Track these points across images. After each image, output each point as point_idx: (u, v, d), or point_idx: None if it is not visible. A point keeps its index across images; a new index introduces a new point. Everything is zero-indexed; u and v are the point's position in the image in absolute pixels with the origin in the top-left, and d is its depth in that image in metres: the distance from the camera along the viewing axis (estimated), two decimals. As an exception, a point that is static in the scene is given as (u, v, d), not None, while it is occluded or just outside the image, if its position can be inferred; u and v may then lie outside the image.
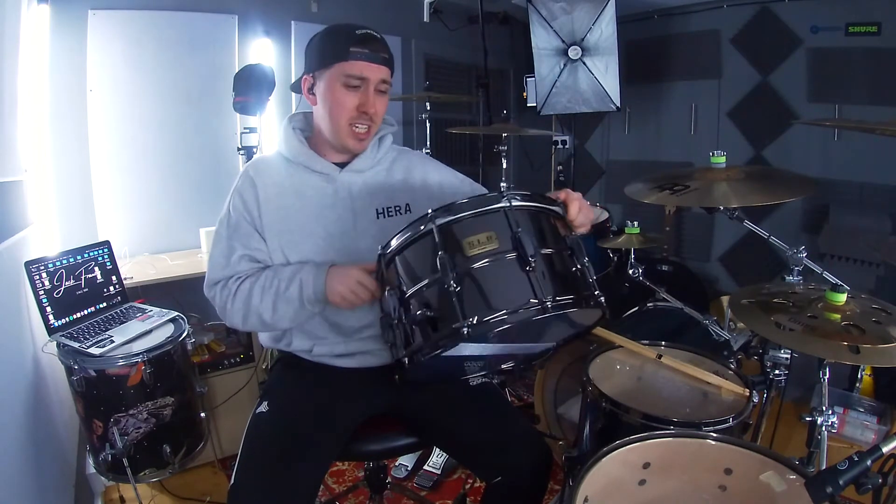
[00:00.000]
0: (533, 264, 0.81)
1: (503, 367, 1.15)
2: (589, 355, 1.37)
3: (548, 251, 0.87)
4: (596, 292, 0.88)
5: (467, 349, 0.89)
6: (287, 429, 1.10)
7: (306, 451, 1.07)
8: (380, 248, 0.96)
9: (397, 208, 1.22)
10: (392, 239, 0.93)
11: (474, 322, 0.78)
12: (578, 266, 0.89)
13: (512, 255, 0.83)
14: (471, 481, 1.90)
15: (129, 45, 2.19)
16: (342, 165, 1.21)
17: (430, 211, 0.87)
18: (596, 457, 0.91)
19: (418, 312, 0.85)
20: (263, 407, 1.16)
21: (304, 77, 1.17)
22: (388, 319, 0.90)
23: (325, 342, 1.22)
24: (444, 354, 0.85)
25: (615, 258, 2.35)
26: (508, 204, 0.87)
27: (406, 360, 0.86)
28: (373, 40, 1.11)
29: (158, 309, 1.73)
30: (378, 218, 1.20)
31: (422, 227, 0.88)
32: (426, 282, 0.86)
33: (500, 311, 0.80)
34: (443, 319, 0.82)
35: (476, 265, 0.83)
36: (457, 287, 0.81)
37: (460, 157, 3.57)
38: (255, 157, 2.15)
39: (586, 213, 0.98)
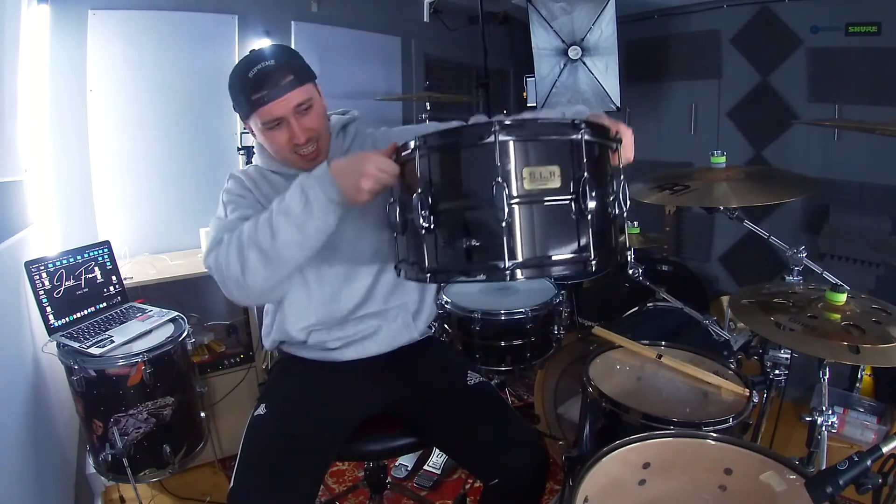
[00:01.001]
0: (587, 214, 0.76)
1: None
2: (589, 355, 1.37)
3: (601, 197, 0.80)
4: (627, 251, 0.86)
5: None
6: (285, 430, 1.10)
7: (305, 451, 1.07)
8: (417, 138, 0.84)
9: None
10: (435, 134, 0.83)
11: (515, 263, 0.74)
12: (618, 213, 0.84)
13: (569, 199, 0.77)
14: (471, 481, 1.90)
15: (129, 45, 2.19)
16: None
17: (494, 121, 0.78)
18: (596, 457, 0.91)
19: (455, 232, 0.78)
20: (261, 409, 1.15)
21: (245, 123, 1.17)
22: (403, 217, 0.85)
23: (321, 329, 1.22)
24: None
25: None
26: (579, 137, 0.78)
27: (429, 276, 0.81)
28: (267, 76, 1.04)
29: (158, 309, 1.73)
30: None
31: (481, 138, 0.77)
32: (472, 202, 0.79)
33: (544, 259, 0.76)
34: (483, 251, 0.77)
35: (532, 202, 0.77)
36: (508, 220, 0.74)
37: (460, 157, 3.57)
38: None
39: (632, 147, 0.96)
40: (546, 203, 0.77)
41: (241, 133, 2.43)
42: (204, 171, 2.40)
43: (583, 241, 0.77)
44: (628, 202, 0.85)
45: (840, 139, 2.72)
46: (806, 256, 1.31)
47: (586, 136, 0.78)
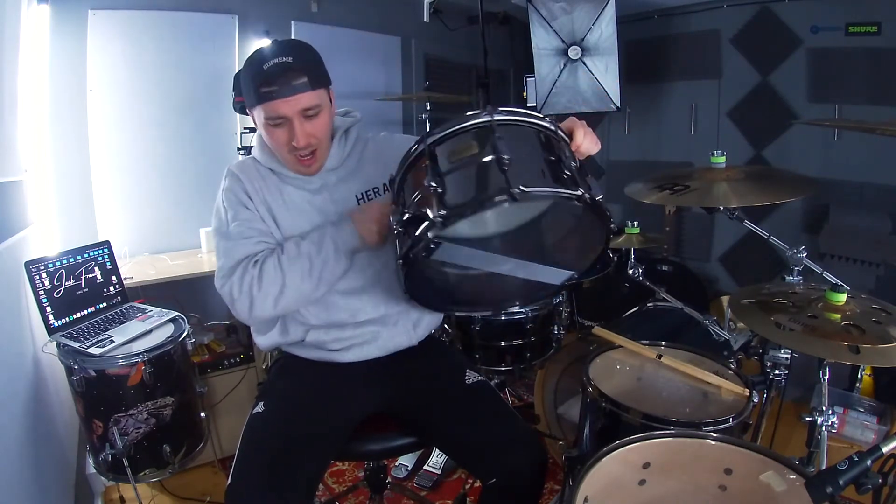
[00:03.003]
0: (507, 163, 0.83)
1: (509, 306, 1.17)
2: (589, 355, 1.37)
3: (528, 153, 0.91)
4: (580, 192, 0.84)
5: (464, 255, 0.95)
6: (284, 428, 1.10)
7: (304, 450, 1.07)
8: (390, 175, 1.00)
9: (375, 190, 1.23)
10: (398, 169, 0.99)
11: (444, 212, 0.83)
12: (566, 171, 0.89)
13: (489, 158, 0.86)
14: (471, 481, 1.90)
15: (129, 45, 2.19)
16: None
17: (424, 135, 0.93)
18: (596, 457, 0.91)
19: (404, 217, 0.91)
20: (260, 407, 1.16)
21: (249, 112, 1.18)
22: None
23: (319, 328, 1.22)
24: (435, 258, 0.91)
25: (615, 258, 2.35)
26: (491, 118, 0.90)
27: (400, 262, 0.90)
28: (282, 72, 1.04)
29: (158, 309, 1.73)
30: (359, 204, 1.22)
31: (416, 147, 0.94)
32: (416, 192, 0.92)
33: (471, 201, 0.84)
34: (424, 217, 0.86)
35: (454, 167, 0.89)
36: (438, 188, 0.86)
37: (460, 157, 3.57)
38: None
39: (591, 140, 0.99)
40: (470, 165, 0.89)
41: (241, 133, 2.43)
42: (204, 171, 2.40)
43: (510, 181, 0.82)
44: (574, 162, 0.92)
45: (840, 139, 2.71)
46: (806, 256, 1.31)
47: (496, 116, 0.91)
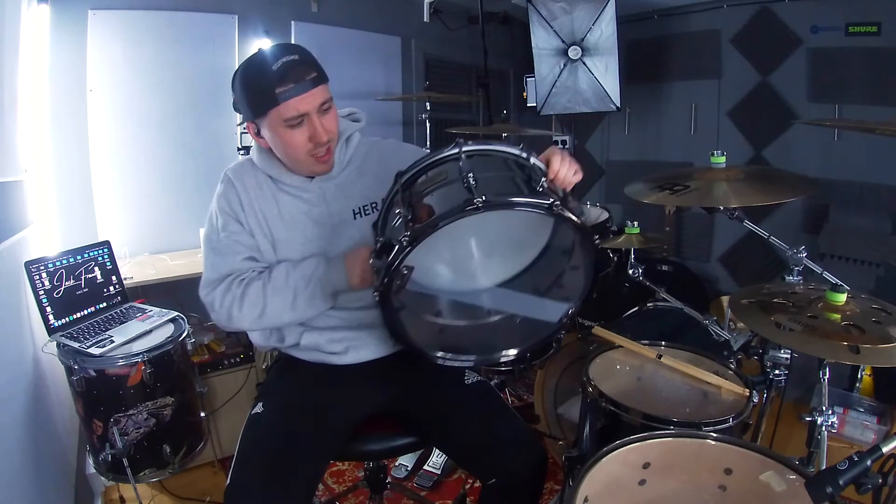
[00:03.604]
0: (472, 182, 0.85)
1: (503, 355, 1.13)
2: (589, 355, 1.37)
3: (498, 175, 0.94)
4: (551, 200, 0.83)
5: (440, 280, 0.98)
6: (283, 428, 1.10)
7: (303, 450, 1.07)
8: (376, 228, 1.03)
9: (373, 205, 1.21)
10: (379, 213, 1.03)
11: (409, 234, 0.84)
12: (541, 188, 0.89)
13: (456, 182, 0.89)
14: (470, 481, 1.90)
15: (129, 45, 2.19)
16: (312, 176, 1.19)
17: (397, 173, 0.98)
18: (596, 457, 0.91)
19: (377, 247, 0.93)
20: (259, 407, 1.16)
21: (248, 124, 1.15)
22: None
23: (313, 331, 1.21)
24: (412, 289, 0.93)
25: (615, 258, 2.35)
26: (459, 150, 0.94)
27: (376, 295, 0.90)
28: (293, 68, 1.03)
29: (158, 309, 1.73)
30: (355, 219, 1.20)
31: (395, 187, 0.98)
32: (389, 224, 0.96)
33: (437, 218, 0.86)
34: (393, 244, 0.88)
35: (424, 193, 0.94)
36: (408, 215, 0.89)
37: (460, 157, 3.57)
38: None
39: (570, 167, 0.98)
40: (438, 190, 0.93)
41: (242, 133, 2.43)
42: (204, 171, 2.40)
43: (475, 194, 0.83)
44: (542, 178, 0.92)
45: (840, 139, 2.71)
46: (806, 256, 1.31)
47: (465, 148, 0.95)
